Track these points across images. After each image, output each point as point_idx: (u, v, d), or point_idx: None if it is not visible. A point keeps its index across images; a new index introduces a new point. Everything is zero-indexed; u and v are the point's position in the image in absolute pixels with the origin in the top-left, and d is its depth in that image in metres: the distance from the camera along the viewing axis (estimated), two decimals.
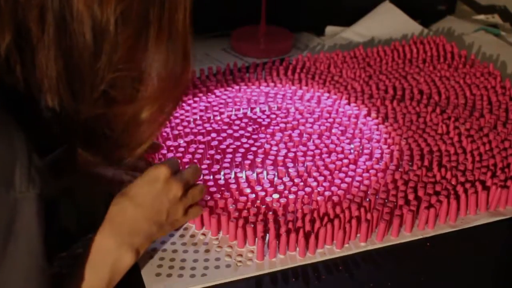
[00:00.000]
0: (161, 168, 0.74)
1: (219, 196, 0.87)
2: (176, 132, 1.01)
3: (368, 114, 1.08)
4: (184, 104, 1.09)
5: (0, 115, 0.55)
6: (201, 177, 0.91)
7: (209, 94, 1.13)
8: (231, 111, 1.08)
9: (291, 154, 0.96)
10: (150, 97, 0.62)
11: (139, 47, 0.59)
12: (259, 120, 1.06)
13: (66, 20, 0.55)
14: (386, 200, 0.87)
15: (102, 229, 0.71)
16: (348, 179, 0.91)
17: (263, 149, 0.98)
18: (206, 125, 1.04)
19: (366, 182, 0.91)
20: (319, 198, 0.87)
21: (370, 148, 0.99)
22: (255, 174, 0.92)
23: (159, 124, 0.66)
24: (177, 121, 1.04)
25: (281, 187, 0.89)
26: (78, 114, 0.60)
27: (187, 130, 1.02)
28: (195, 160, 0.94)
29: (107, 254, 0.70)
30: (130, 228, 0.72)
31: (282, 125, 1.04)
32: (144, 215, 0.73)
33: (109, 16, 0.55)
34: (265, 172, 0.93)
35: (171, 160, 0.80)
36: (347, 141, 1.01)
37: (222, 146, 0.98)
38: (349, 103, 1.12)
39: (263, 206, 0.86)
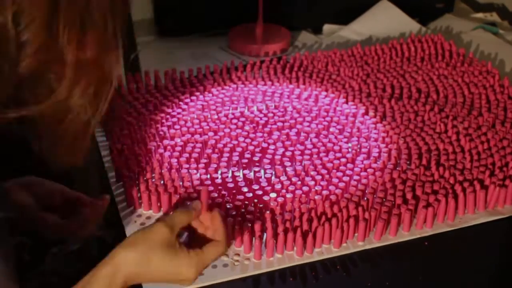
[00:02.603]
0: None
1: (216, 195, 0.87)
2: (173, 131, 1.01)
3: (366, 113, 1.08)
4: (181, 103, 1.09)
5: None
6: (195, 182, 0.90)
7: (206, 93, 1.13)
8: (228, 110, 1.08)
9: (288, 153, 0.96)
10: (66, 90, 0.57)
11: (48, 43, 0.54)
12: (256, 119, 1.05)
13: None
14: (384, 199, 0.87)
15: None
16: (346, 178, 0.90)
17: (260, 148, 0.98)
18: (203, 124, 1.03)
19: (364, 181, 0.91)
20: (316, 197, 0.87)
21: (368, 147, 0.99)
22: (252, 173, 0.92)
23: (91, 119, 0.60)
24: (174, 120, 1.04)
25: (278, 186, 0.89)
26: None
27: (184, 129, 1.01)
28: (192, 159, 0.94)
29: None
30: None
31: (280, 124, 1.04)
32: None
33: (7, 15, 0.51)
34: (262, 171, 0.93)
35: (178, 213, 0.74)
36: (345, 140, 1.00)
37: (219, 145, 0.98)
38: (346, 102, 1.11)
39: (261, 205, 0.85)
